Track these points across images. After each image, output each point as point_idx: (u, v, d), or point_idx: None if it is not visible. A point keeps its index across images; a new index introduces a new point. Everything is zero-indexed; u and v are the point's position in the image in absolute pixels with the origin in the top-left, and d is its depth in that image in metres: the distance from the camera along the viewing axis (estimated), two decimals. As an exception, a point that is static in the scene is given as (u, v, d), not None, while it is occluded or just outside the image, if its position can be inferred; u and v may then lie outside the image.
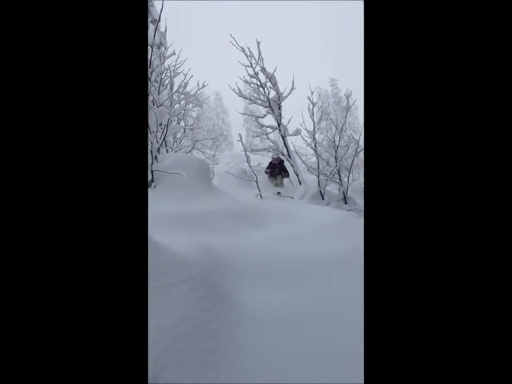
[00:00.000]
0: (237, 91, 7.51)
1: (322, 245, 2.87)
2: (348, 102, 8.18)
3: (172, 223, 3.42)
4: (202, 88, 6.46)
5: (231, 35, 7.24)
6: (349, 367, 1.53)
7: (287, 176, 9.21)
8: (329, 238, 3.08)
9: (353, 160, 7.34)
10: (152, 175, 4.45)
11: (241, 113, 8.76)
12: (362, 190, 8.64)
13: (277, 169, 9.30)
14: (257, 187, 6.95)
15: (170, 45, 5.55)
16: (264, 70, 7.58)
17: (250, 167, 7.39)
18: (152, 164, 4.43)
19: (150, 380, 1.47)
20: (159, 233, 2.28)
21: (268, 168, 9.52)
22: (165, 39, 5.25)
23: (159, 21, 4.53)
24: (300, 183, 7.48)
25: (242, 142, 7.00)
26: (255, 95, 7.78)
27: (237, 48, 7.44)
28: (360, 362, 1.12)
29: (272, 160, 9.32)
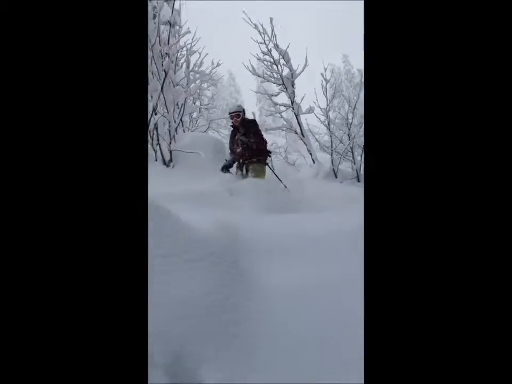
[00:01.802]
0: (251, 69, 7.47)
1: (338, 222, 2.91)
2: (361, 78, 8.06)
3: (190, 201, 3.50)
4: (216, 66, 6.44)
5: (244, 11, 7.16)
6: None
7: (265, 158, 4.97)
8: (344, 216, 3.12)
9: (366, 139, 7.27)
10: (171, 155, 4.53)
11: (255, 92, 8.72)
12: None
13: (241, 144, 4.80)
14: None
15: (185, 23, 5.54)
16: (277, 47, 7.51)
17: (265, 146, 7.39)
18: (170, 143, 4.51)
19: (172, 354, 1.49)
20: (178, 211, 2.35)
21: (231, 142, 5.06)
22: (180, 17, 5.22)
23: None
24: (313, 161, 7.49)
25: (256, 121, 6.99)
26: (268, 72, 7.72)
27: (250, 25, 7.36)
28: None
29: (232, 122, 4.97)
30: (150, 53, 4.65)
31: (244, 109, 5.04)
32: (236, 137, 4.90)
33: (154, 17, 4.81)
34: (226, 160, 5.00)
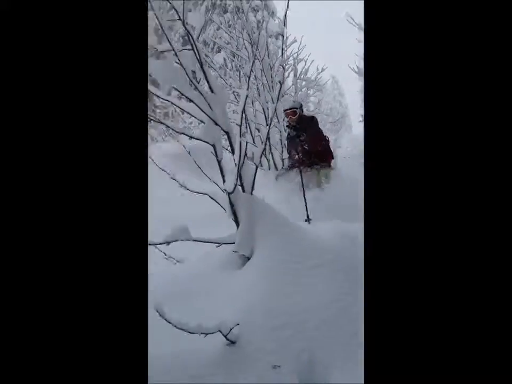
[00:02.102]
0: (356, 70, 7.32)
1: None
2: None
3: (303, 209, 3.56)
4: (321, 72, 6.46)
5: (347, 13, 7.07)
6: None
7: (329, 163, 4.14)
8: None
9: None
10: (283, 163, 4.66)
11: (360, 92, 8.51)
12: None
13: (301, 148, 3.98)
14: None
15: (290, 35, 5.66)
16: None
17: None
18: (281, 152, 4.65)
19: (303, 364, 1.56)
20: (294, 218, 2.39)
21: (288, 145, 4.28)
22: (286, 28, 5.34)
23: (287, 8, 4.65)
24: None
25: (364, 123, 6.83)
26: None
27: (354, 25, 7.23)
28: None
29: (288, 121, 4.21)
30: (260, 66, 4.87)
31: (301, 105, 4.27)
32: (298, 147, 4.04)
33: (260, 31, 5.03)
34: (283, 168, 4.24)
